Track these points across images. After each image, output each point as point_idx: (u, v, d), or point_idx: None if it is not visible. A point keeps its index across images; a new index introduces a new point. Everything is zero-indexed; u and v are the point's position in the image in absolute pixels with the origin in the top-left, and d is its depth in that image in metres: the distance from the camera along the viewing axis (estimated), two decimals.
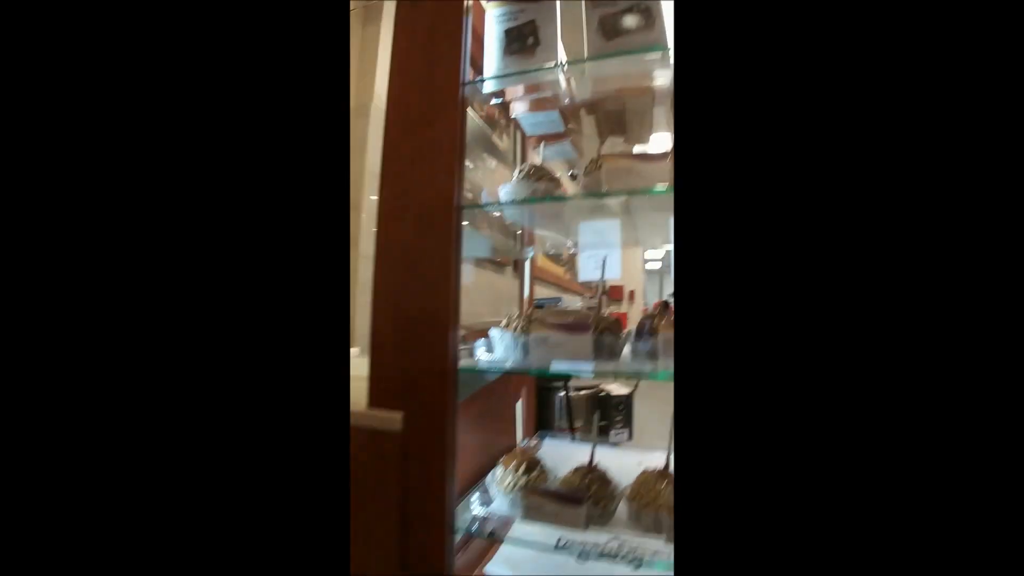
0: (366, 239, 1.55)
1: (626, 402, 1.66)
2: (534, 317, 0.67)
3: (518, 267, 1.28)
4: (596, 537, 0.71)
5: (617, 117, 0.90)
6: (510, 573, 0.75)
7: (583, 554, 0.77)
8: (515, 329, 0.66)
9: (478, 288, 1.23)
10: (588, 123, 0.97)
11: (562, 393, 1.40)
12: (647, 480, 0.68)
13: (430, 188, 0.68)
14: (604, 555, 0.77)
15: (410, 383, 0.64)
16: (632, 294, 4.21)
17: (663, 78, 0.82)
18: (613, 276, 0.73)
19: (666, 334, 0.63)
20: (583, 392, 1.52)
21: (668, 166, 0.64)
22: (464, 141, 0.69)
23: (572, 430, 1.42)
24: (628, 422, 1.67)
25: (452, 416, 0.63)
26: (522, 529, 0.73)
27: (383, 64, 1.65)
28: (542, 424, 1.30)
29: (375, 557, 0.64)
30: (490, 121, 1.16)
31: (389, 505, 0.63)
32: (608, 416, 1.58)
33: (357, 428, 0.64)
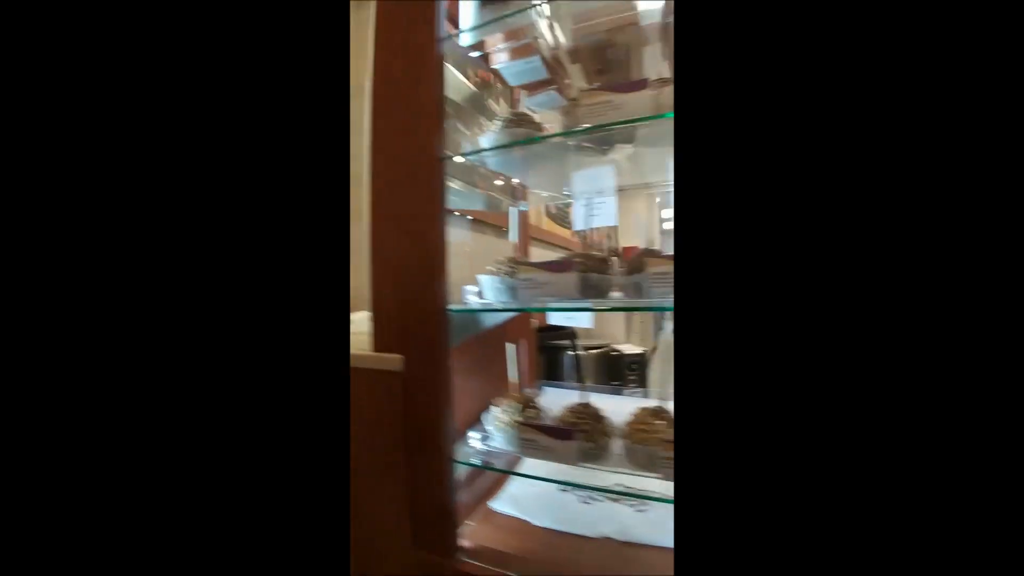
0: (368, 214, 1.58)
1: (640, 361, 1.64)
2: (520, 261, 0.68)
3: None
4: (602, 479, 0.73)
5: (603, 58, 0.88)
6: (514, 510, 0.78)
7: (589, 492, 0.80)
8: (502, 273, 0.67)
9: (477, 253, 1.25)
10: (576, 74, 0.95)
11: (571, 352, 1.41)
12: (641, 416, 0.69)
13: (414, 144, 0.69)
14: (608, 494, 0.79)
15: (408, 328, 0.69)
16: None
17: (649, 11, 0.79)
18: (608, 222, 0.73)
19: (654, 268, 0.63)
20: (592, 351, 1.52)
21: (649, 95, 0.63)
22: (443, 95, 0.69)
23: (582, 388, 1.44)
24: (643, 383, 1.66)
25: (445, 353, 0.67)
26: (526, 469, 0.76)
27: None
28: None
29: (385, 486, 0.70)
30: (484, 86, 1.16)
31: (395, 438, 0.69)
32: (619, 376, 1.58)
33: (363, 370, 0.70)
